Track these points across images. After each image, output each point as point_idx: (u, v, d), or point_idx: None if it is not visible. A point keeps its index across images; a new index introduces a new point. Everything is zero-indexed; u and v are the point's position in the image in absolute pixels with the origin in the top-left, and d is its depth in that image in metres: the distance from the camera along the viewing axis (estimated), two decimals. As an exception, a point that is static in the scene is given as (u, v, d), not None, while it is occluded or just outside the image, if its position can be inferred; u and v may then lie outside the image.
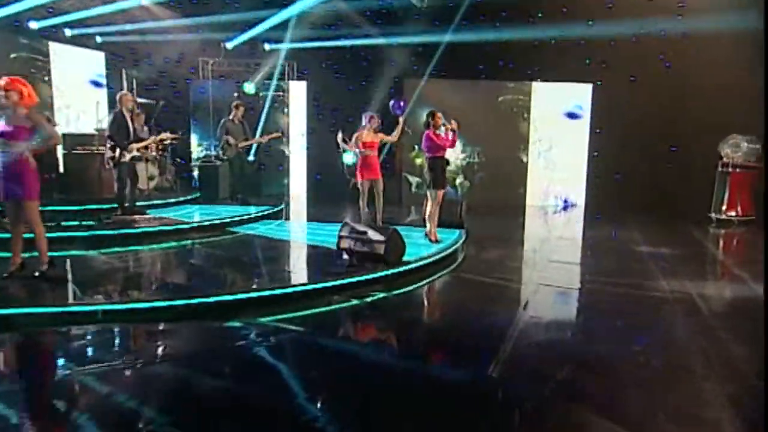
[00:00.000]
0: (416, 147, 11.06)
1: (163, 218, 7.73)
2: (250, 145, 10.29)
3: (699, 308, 5.12)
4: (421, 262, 6.07)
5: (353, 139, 7.46)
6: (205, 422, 2.75)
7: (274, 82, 12.14)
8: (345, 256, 6.05)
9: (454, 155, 12.02)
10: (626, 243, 8.01)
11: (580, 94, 12.23)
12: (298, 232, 8.25)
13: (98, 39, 11.37)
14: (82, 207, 7.34)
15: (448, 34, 11.41)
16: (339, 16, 11.92)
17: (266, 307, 4.70)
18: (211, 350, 3.87)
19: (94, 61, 11.33)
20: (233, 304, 4.66)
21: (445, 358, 4.08)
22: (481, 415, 2.89)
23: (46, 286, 4.71)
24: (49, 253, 4.96)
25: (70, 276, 5.21)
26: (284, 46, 11.98)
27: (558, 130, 12.28)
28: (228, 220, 8.07)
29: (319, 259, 6.44)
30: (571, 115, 12.31)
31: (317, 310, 4.86)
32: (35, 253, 4.94)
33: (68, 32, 10.87)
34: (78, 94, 10.75)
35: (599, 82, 11.89)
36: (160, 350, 3.83)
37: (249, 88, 11.97)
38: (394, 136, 7.49)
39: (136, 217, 7.43)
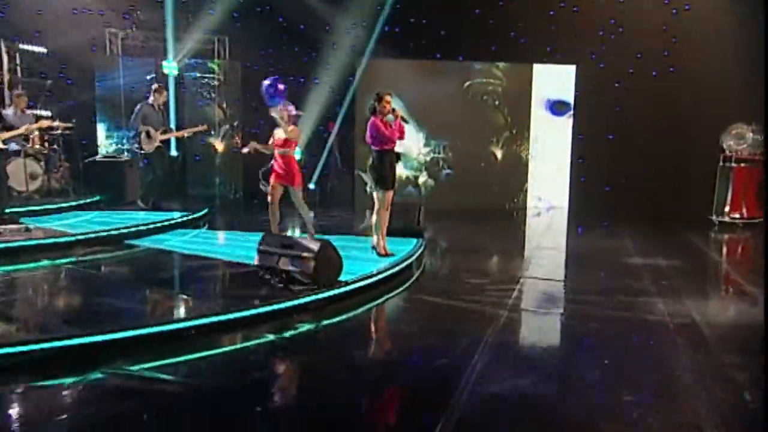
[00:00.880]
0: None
1: (40, 229, 7.05)
2: (171, 139, 9.73)
3: (705, 338, 4.64)
4: (363, 282, 5.57)
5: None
6: None
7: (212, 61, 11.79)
8: (266, 276, 5.50)
9: (417, 149, 11.96)
10: (616, 253, 7.83)
11: (560, 79, 12.13)
12: (218, 244, 7.72)
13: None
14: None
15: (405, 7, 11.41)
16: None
17: (144, 349, 4.03)
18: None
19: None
20: (98, 347, 3.96)
21: (376, 418, 3.46)
22: None
23: None
24: None
25: None
26: (215, 19, 11.66)
27: (536, 120, 12.27)
28: (129, 230, 7.42)
29: (234, 281, 5.88)
30: (556, 109, 12.22)
31: (215, 352, 4.19)
32: None
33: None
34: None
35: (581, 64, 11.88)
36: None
37: (170, 67, 11.40)
38: (290, 133, 6.54)
39: (1, 228, 6.65)
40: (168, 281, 5.97)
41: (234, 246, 7.06)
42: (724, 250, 8.74)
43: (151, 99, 8.65)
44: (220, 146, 12.25)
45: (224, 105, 12.10)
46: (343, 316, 5.03)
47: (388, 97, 6.18)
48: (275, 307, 4.85)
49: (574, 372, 4.02)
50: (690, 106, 10.89)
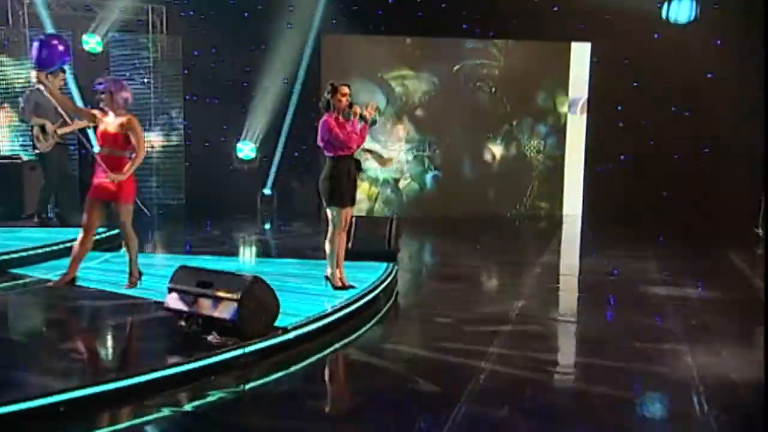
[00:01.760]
0: None
1: None
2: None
3: (747, 413, 4.11)
4: (309, 327, 5.13)
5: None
6: None
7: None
8: (181, 324, 4.98)
9: (398, 146, 12.12)
10: (636, 279, 7.54)
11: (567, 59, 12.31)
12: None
13: None
14: None
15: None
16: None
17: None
18: None
19: None
20: None
21: None
22: None
23: None
24: None
25: None
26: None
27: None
28: (12, 256, 6.89)
29: (139, 330, 5.34)
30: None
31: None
32: None
33: None
34: None
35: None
36: None
37: (92, 43, 11.13)
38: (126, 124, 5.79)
39: None
40: (39, 333, 5.37)
41: (157, 276, 6.40)
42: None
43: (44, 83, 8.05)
44: (157, 141, 12.07)
45: (160, 89, 11.89)
46: (275, 375, 4.58)
47: (344, 89, 5.86)
48: (179, 369, 4.29)
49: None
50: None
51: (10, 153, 10.13)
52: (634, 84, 11.71)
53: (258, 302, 4.90)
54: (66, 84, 8.81)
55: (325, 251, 6.16)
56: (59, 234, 7.77)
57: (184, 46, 11.92)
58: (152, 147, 11.78)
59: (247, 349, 4.66)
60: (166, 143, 12.14)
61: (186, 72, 11.92)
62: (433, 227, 10.18)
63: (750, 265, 8.64)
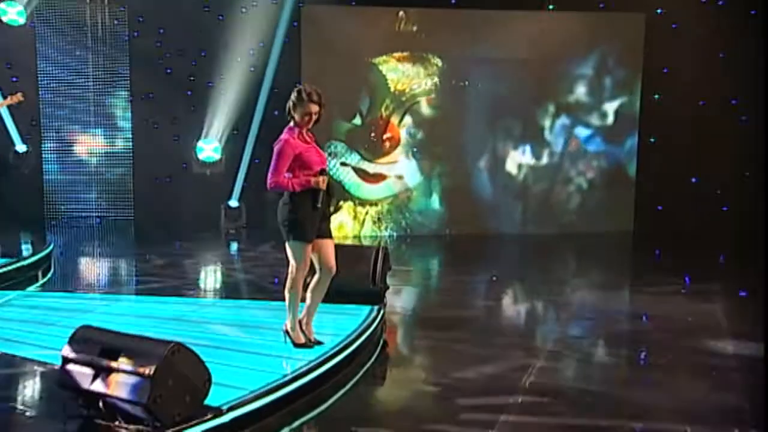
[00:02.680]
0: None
1: None
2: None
3: None
4: (250, 407, 4.72)
5: None
6: None
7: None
8: (78, 403, 4.62)
9: (391, 155, 12.48)
10: (694, 328, 7.11)
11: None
12: (47, 321, 6.66)
13: None
14: None
15: None
16: None
17: None
18: None
19: None
20: None
21: None
22: None
23: None
24: None
25: None
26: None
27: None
28: None
29: (16, 416, 4.90)
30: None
31: None
32: None
33: None
34: None
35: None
36: None
37: (11, 13, 11.13)
38: None
39: None
40: None
41: (70, 323, 6.02)
42: None
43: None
44: (97, 144, 12.24)
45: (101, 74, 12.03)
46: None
47: (314, 105, 5.50)
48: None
49: None
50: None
51: None
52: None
53: (178, 377, 4.44)
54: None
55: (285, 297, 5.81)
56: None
57: (130, 21, 11.86)
58: (90, 152, 11.81)
59: (163, 440, 4.25)
60: (108, 147, 12.16)
61: (132, 58, 11.97)
62: (439, 250, 10.01)
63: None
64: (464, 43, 12.13)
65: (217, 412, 4.50)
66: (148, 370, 4.31)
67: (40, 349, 5.75)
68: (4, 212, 10.67)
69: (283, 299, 5.76)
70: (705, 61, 11.98)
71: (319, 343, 5.76)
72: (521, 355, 6.33)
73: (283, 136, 5.49)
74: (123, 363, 4.42)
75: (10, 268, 7.72)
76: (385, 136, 12.27)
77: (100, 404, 4.47)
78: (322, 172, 5.50)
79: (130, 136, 12.31)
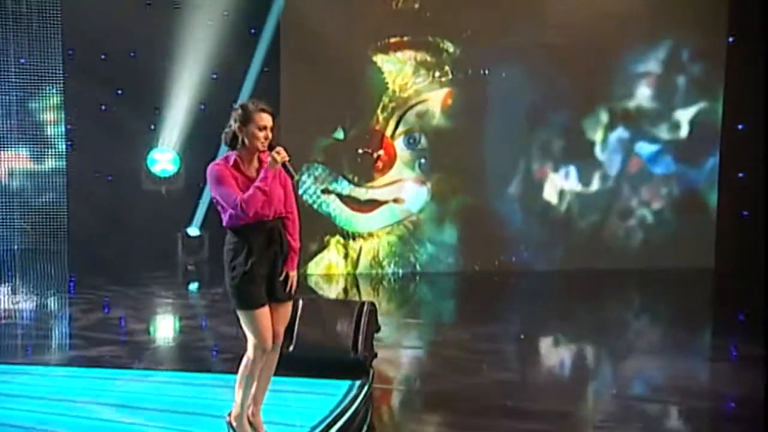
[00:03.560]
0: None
1: None
2: None
3: None
4: None
5: None
6: None
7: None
8: None
9: (387, 177, 12.24)
10: None
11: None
12: None
13: None
14: None
15: None
16: None
17: None
18: None
19: None
20: None
21: None
22: None
23: None
24: None
25: None
26: None
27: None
28: None
29: None
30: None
31: None
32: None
33: None
34: None
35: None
36: None
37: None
38: None
39: None
40: None
41: None
42: None
43: None
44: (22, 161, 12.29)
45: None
46: None
47: (264, 118, 5.23)
48: None
49: None
50: None
51: None
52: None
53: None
54: None
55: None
56: None
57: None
58: (10, 172, 11.86)
59: None
60: (35, 166, 12.08)
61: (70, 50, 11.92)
62: (455, 292, 10.19)
63: None
64: (485, 23, 11.42)
65: None
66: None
67: None
68: None
69: (228, 372, 5.71)
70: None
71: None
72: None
73: (217, 166, 5.23)
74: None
75: None
76: (376, 153, 11.90)
77: None
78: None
79: (64, 150, 12.23)
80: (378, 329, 7.16)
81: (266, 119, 5.22)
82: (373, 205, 11.97)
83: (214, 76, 11.89)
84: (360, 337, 6.80)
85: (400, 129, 11.94)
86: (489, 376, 7.83)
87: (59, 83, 12.23)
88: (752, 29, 11.63)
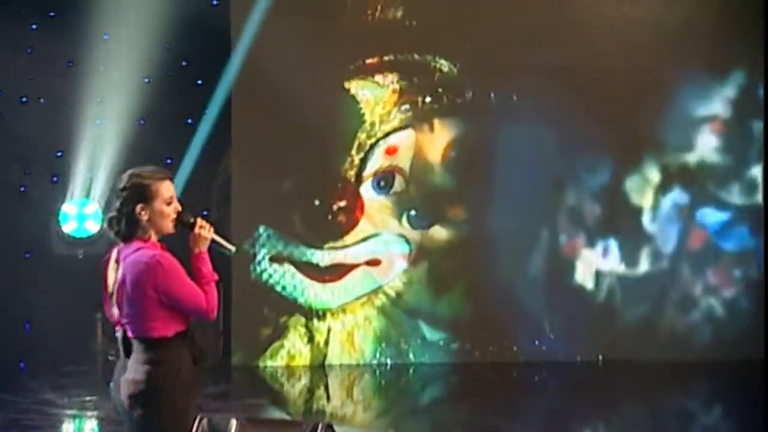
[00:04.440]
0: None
1: None
2: None
3: None
4: None
5: None
6: None
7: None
8: None
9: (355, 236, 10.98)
10: None
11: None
12: None
13: None
14: None
15: None
16: None
17: None
18: None
19: None
20: None
21: None
22: None
23: None
24: None
25: None
26: None
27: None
28: None
29: None
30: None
31: None
32: None
33: None
34: None
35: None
36: None
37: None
38: None
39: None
40: None
41: None
42: None
43: None
44: None
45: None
46: None
47: (166, 188, 4.45)
48: None
49: None
50: None
51: None
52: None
53: None
54: None
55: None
56: None
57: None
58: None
59: None
60: None
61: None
62: (455, 390, 9.60)
63: None
64: (489, 37, 10.02)
65: None
66: None
67: None
68: None
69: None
70: None
71: None
72: None
73: (149, 252, 4.25)
74: None
75: None
76: (337, 205, 10.68)
77: None
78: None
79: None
80: None
81: (171, 188, 4.58)
82: (338, 270, 10.44)
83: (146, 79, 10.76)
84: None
85: (368, 170, 10.46)
86: None
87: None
88: None
